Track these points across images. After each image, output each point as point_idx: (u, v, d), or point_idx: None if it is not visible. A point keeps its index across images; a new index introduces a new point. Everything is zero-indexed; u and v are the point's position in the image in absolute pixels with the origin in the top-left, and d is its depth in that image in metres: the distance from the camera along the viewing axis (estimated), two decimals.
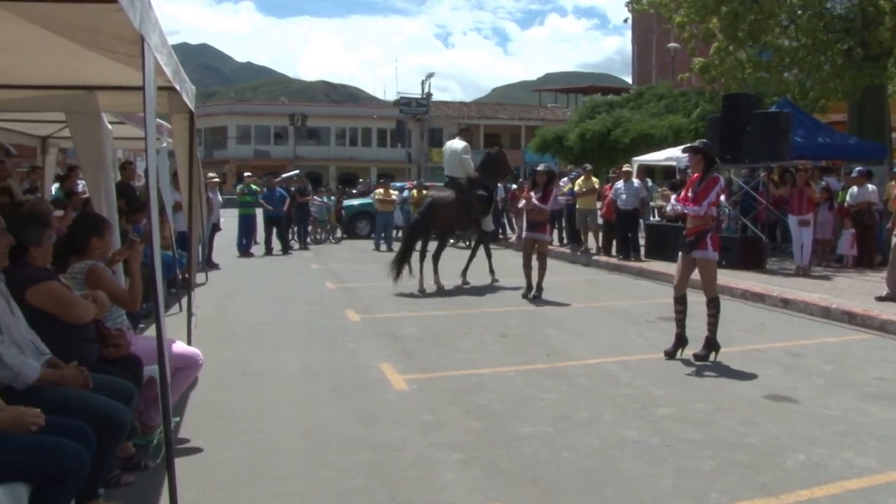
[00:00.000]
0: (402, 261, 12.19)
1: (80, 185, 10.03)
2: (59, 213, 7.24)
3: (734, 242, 14.15)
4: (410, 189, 22.05)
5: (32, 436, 3.16)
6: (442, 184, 14.44)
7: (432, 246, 12.76)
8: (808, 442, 5.05)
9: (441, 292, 12.02)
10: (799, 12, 18.87)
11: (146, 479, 4.33)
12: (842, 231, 14.48)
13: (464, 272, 12.91)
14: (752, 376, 6.76)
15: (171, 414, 3.68)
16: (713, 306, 7.33)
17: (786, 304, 10.48)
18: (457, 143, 13.07)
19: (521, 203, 11.46)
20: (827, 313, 9.71)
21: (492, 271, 13.05)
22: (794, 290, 11.10)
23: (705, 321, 7.35)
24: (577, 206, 16.71)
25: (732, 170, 16.43)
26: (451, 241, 16.32)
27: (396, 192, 22.77)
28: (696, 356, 7.27)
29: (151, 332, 6.68)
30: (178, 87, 5.03)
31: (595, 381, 6.60)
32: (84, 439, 3.31)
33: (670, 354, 7.42)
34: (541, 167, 11.89)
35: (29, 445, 3.11)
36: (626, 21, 29.45)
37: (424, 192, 21.51)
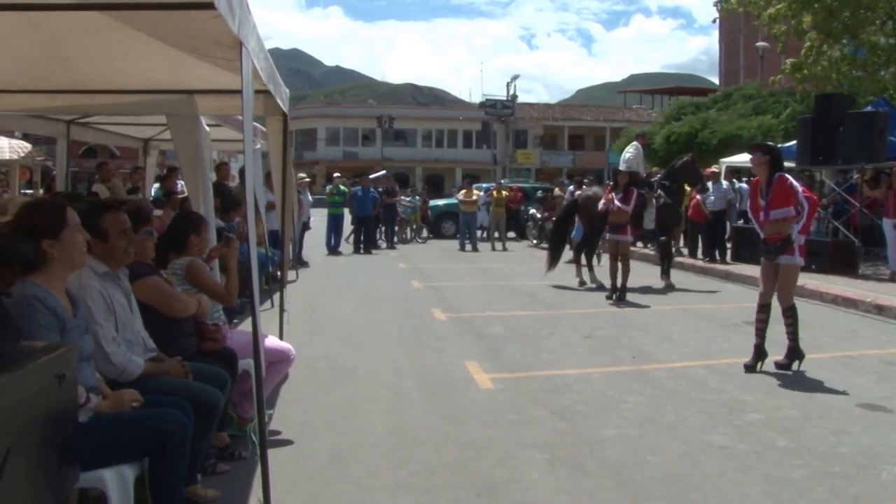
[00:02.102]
0: (554, 256, 13.06)
1: (180, 185, 10.39)
2: (158, 212, 7.52)
3: (825, 246, 13.74)
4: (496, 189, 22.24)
5: (134, 411, 3.35)
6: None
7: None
8: None
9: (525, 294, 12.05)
10: None
11: (240, 468, 4.50)
12: None
13: (663, 273, 13.18)
14: (843, 384, 6.53)
15: (264, 406, 3.81)
16: (789, 314, 6.95)
17: (880, 310, 10.11)
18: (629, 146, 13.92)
19: (601, 204, 11.42)
20: None
21: (664, 274, 13.14)
22: (890, 295, 10.69)
23: (784, 330, 7.05)
24: None
25: (824, 171, 15.95)
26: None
27: (482, 193, 22.93)
28: (778, 365, 6.99)
29: (245, 326, 6.92)
30: (272, 91, 5.19)
31: (680, 385, 6.52)
32: (183, 410, 3.48)
33: (750, 368, 6.99)
34: (622, 168, 11.83)
35: (132, 418, 3.31)
36: (714, 21, 28.88)
37: (505, 192, 21.85)
